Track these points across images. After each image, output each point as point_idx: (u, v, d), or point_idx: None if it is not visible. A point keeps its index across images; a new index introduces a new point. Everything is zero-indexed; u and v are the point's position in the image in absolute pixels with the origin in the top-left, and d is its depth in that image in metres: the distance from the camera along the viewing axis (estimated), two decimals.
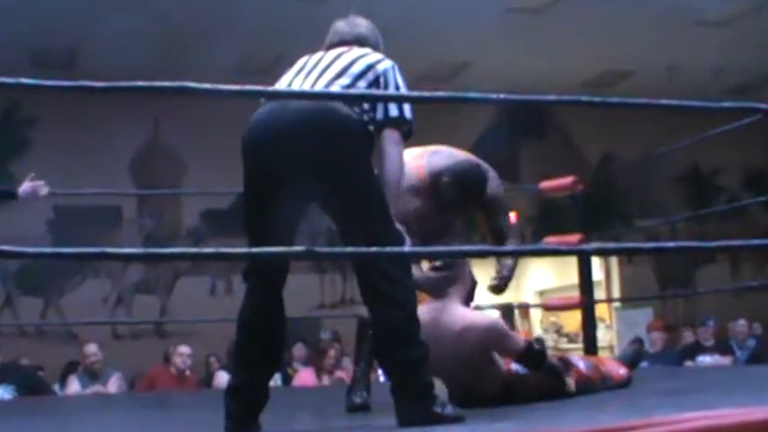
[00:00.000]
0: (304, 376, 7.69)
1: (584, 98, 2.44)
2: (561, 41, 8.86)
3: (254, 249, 2.29)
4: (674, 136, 5.63)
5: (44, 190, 4.42)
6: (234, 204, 9.86)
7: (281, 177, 2.68)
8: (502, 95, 2.36)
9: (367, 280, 2.68)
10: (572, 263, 5.71)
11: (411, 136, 2.76)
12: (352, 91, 2.63)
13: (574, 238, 5.03)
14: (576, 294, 5.49)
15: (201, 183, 9.11)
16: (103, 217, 9.36)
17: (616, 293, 10.98)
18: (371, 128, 2.67)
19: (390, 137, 2.69)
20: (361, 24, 3.07)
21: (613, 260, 11.17)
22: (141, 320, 9.48)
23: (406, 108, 2.72)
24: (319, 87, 2.68)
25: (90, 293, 9.31)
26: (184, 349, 7.35)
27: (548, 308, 7.59)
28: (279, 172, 2.68)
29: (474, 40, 8.74)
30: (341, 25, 3.07)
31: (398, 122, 2.70)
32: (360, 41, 2.97)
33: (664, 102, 2.55)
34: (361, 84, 2.70)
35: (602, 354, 7.12)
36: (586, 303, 5.36)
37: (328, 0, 7.59)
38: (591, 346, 5.32)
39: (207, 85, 1.98)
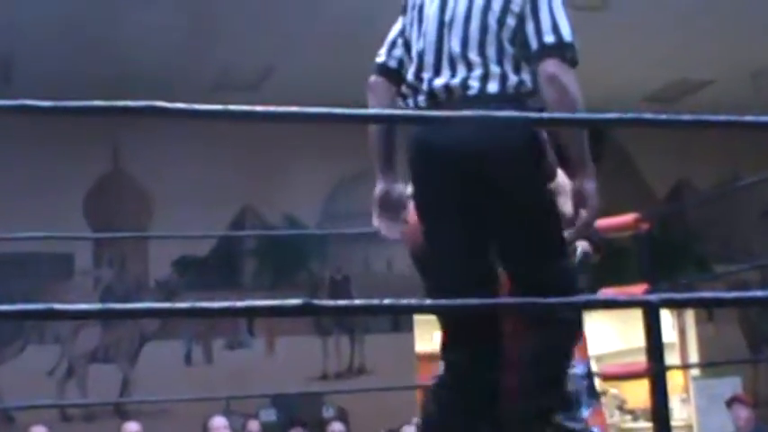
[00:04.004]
0: None
1: (648, 116, 2.46)
2: (620, 44, 8.91)
3: (241, 304, 2.29)
4: (763, 160, 5.64)
5: None
6: (213, 250, 9.90)
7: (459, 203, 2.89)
8: (545, 114, 2.39)
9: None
10: (636, 320, 5.68)
11: (576, 65, 2.88)
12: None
13: (638, 288, 5.01)
14: (642, 360, 5.46)
15: (173, 224, 9.15)
16: (51, 266, 9.40)
17: (694, 358, 10.91)
18: (526, 86, 2.85)
19: (555, 66, 2.84)
20: None
21: (689, 316, 11.11)
22: (96, 402, 9.44)
23: (564, 26, 2.88)
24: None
25: (32, 363, 9.31)
26: (133, 427, 7.30)
27: (606, 377, 7.53)
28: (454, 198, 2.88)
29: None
30: None
31: (559, 49, 2.85)
32: None
33: (749, 118, 2.56)
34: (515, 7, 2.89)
35: None
36: (655, 371, 5.33)
37: (327, 2, 7.75)
38: (662, 426, 5.28)
39: (180, 105, 1.99)
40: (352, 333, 10.12)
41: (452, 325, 3.03)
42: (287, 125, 8.28)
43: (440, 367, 3.60)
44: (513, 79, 2.87)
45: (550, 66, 2.84)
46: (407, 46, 3.10)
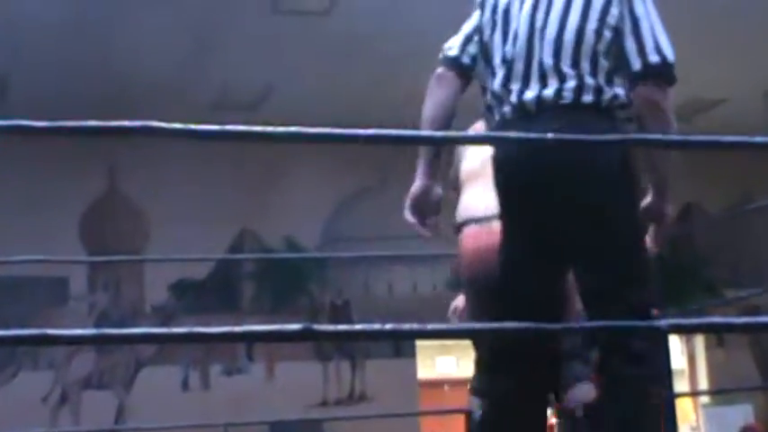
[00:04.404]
0: None
1: (657, 136, 2.46)
2: None
3: (239, 329, 2.28)
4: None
5: None
6: (211, 273, 9.89)
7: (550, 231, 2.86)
8: (551, 135, 2.39)
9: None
10: None
11: (674, 83, 2.88)
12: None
13: None
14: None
15: (170, 246, 9.14)
16: (45, 290, 9.39)
17: (703, 385, 10.87)
18: (622, 106, 2.84)
19: (658, 90, 2.84)
20: None
21: (699, 342, 11.08)
22: (90, 429, 9.39)
23: (666, 45, 2.88)
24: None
25: (25, 390, 9.28)
26: None
27: None
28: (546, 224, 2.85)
29: None
30: None
31: (663, 70, 2.86)
32: None
33: (761, 139, 2.56)
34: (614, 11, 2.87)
35: None
36: (664, 398, 5.31)
37: (330, 15, 7.78)
38: None
39: (176, 125, 2.00)
40: (353, 358, 10.10)
41: (497, 352, 2.98)
42: (286, 146, 8.29)
43: (473, 404, 3.60)
44: (607, 92, 2.85)
45: (653, 89, 2.84)
46: (483, 45, 3.07)
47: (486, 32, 3.05)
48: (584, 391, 3.59)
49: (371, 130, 2.17)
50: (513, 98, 2.91)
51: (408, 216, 3.09)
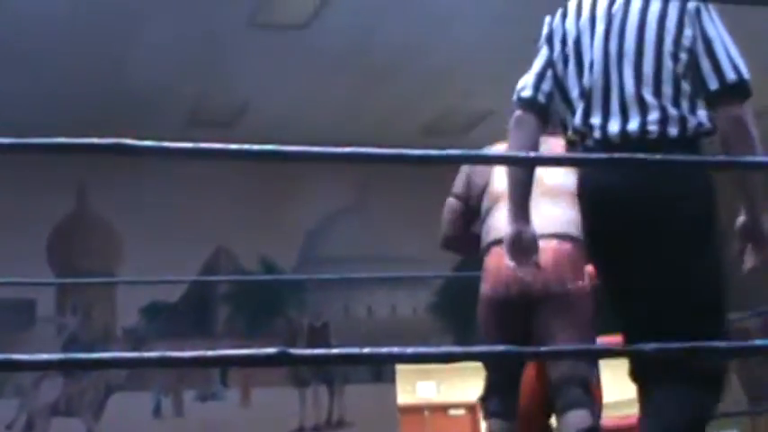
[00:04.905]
0: None
1: (641, 155, 2.47)
2: None
3: (212, 353, 2.27)
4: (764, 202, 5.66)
5: None
6: (184, 296, 9.86)
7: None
8: (532, 153, 2.39)
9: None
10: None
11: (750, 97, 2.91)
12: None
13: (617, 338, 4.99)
14: (634, 412, 5.44)
15: (143, 268, 9.11)
16: (11, 314, 9.33)
17: None
18: (704, 126, 2.88)
19: (740, 108, 2.87)
20: None
21: None
22: None
23: (740, 62, 2.90)
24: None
25: None
26: None
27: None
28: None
29: (498, 80, 8.84)
30: None
31: (741, 87, 2.87)
32: None
33: (749, 159, 2.57)
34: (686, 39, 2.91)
35: None
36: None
37: (309, 29, 7.78)
38: None
39: (148, 143, 1.99)
40: (331, 384, 10.07)
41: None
42: (263, 164, 8.28)
43: (494, 427, 3.82)
44: (692, 121, 2.88)
45: (735, 108, 2.86)
46: (557, 81, 3.09)
47: (559, 67, 3.08)
48: (579, 418, 3.62)
49: (351, 148, 2.16)
50: (597, 134, 2.95)
51: (508, 261, 3.20)
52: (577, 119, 2.99)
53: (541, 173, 3.65)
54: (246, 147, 2.06)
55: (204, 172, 9.50)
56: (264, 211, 10.07)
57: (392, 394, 10.31)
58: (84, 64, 8.10)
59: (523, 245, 3.16)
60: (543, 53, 3.16)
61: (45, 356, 1.95)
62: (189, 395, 9.75)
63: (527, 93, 3.13)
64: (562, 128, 3.13)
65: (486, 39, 8.13)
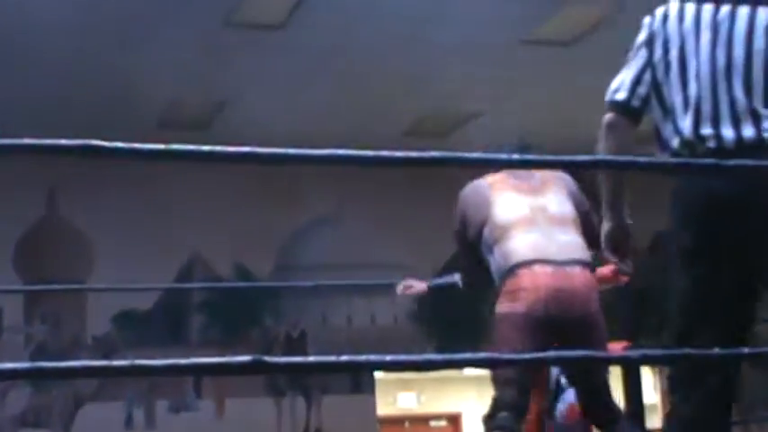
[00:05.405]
0: None
1: (626, 158, 2.47)
2: (594, 83, 8.97)
3: (185, 361, 2.26)
4: None
5: None
6: (157, 303, 9.83)
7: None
8: (516, 156, 2.40)
9: None
10: (616, 379, 5.68)
11: None
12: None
13: (617, 345, 5.02)
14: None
15: (114, 275, 9.08)
16: None
17: None
18: None
19: None
20: None
21: None
22: None
23: None
24: None
25: None
26: None
27: None
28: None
29: (480, 82, 8.86)
30: None
31: None
32: None
33: (731, 162, 2.57)
34: None
35: None
36: None
37: (287, 28, 7.78)
38: None
39: (119, 144, 1.98)
40: (309, 394, 10.06)
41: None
42: (239, 167, 8.27)
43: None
44: None
45: None
46: (655, 86, 3.11)
47: (659, 72, 3.10)
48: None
49: (330, 150, 2.16)
50: (711, 143, 2.96)
51: (608, 256, 3.31)
52: (688, 130, 3.01)
53: (546, 202, 4.21)
54: (220, 148, 2.05)
55: (178, 177, 9.47)
56: (240, 217, 10.05)
57: (371, 405, 10.30)
58: (60, 65, 8.07)
59: (623, 238, 3.27)
60: (642, 55, 3.16)
61: (12, 365, 1.94)
62: (162, 406, 9.72)
63: (622, 95, 3.16)
64: (656, 139, 3.16)
65: (468, 41, 8.15)
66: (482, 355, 2.12)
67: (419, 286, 5.14)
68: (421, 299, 10.32)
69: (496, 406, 4.05)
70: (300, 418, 10.11)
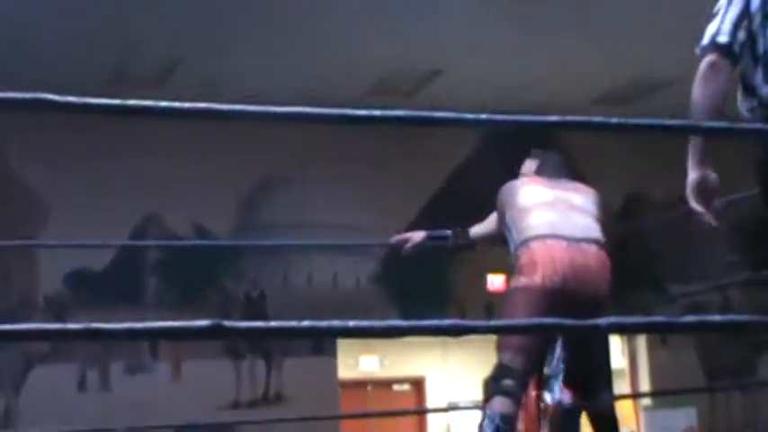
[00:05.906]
0: None
1: (598, 119, 2.47)
2: (569, 40, 8.98)
3: (141, 325, 2.24)
4: (728, 170, 5.70)
5: None
6: (112, 262, 9.78)
7: None
8: (483, 116, 2.38)
9: None
10: None
11: None
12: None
13: None
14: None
15: (68, 233, 9.03)
16: None
17: (645, 387, 11.01)
18: None
19: None
20: None
21: (641, 342, 11.22)
22: None
23: None
24: None
25: None
26: None
27: None
28: None
29: (447, 39, 8.82)
30: None
31: None
32: None
33: (712, 123, 2.58)
34: None
35: None
36: None
37: None
38: None
39: (70, 98, 1.96)
40: (269, 357, 10.07)
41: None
42: (195, 123, 8.21)
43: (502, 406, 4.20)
44: None
45: None
46: (750, 34, 3.15)
47: (756, 21, 3.14)
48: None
49: (292, 107, 2.14)
50: None
51: (695, 205, 3.32)
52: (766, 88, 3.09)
53: (571, 197, 4.52)
54: (177, 104, 2.03)
55: (134, 132, 9.39)
56: (198, 175, 10.00)
57: (333, 368, 10.33)
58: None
59: (709, 187, 3.30)
60: (737, 3, 3.20)
61: None
62: (116, 368, 9.70)
63: (724, 38, 3.18)
64: (742, 86, 3.21)
65: None
66: (448, 321, 2.12)
67: (416, 237, 5.39)
68: (385, 261, 10.35)
69: (503, 372, 4.12)
70: (260, 381, 10.13)
